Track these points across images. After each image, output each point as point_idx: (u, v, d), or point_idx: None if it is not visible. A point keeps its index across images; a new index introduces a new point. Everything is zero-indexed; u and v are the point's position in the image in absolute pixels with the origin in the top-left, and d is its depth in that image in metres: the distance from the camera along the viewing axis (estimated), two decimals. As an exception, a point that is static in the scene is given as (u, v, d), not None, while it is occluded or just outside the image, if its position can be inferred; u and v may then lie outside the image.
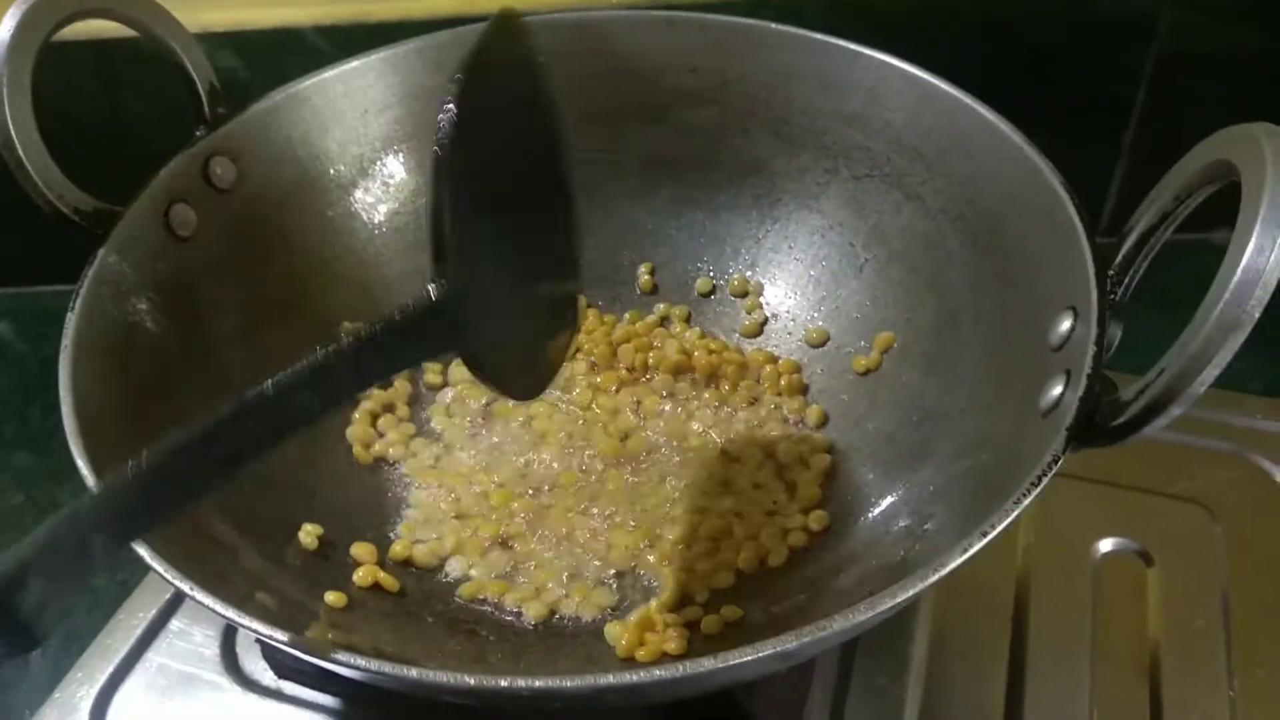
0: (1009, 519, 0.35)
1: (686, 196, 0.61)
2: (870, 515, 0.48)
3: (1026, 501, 0.35)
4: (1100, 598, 0.53)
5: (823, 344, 0.57)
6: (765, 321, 0.59)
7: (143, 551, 0.36)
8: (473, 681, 0.32)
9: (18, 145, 0.45)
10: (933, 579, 0.33)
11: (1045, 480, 0.36)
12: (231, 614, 0.35)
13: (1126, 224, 0.43)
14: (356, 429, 0.54)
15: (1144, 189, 0.43)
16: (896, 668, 0.48)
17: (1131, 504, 0.56)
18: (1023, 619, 0.51)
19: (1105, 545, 0.55)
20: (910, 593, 0.33)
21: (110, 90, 0.69)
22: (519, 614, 0.47)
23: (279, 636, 0.34)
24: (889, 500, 0.48)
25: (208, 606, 0.35)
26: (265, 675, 0.49)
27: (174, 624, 0.51)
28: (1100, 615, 0.52)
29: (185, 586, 0.35)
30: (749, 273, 0.60)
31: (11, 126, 0.45)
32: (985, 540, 0.34)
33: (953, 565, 0.34)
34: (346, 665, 0.33)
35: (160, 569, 0.36)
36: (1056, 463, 0.36)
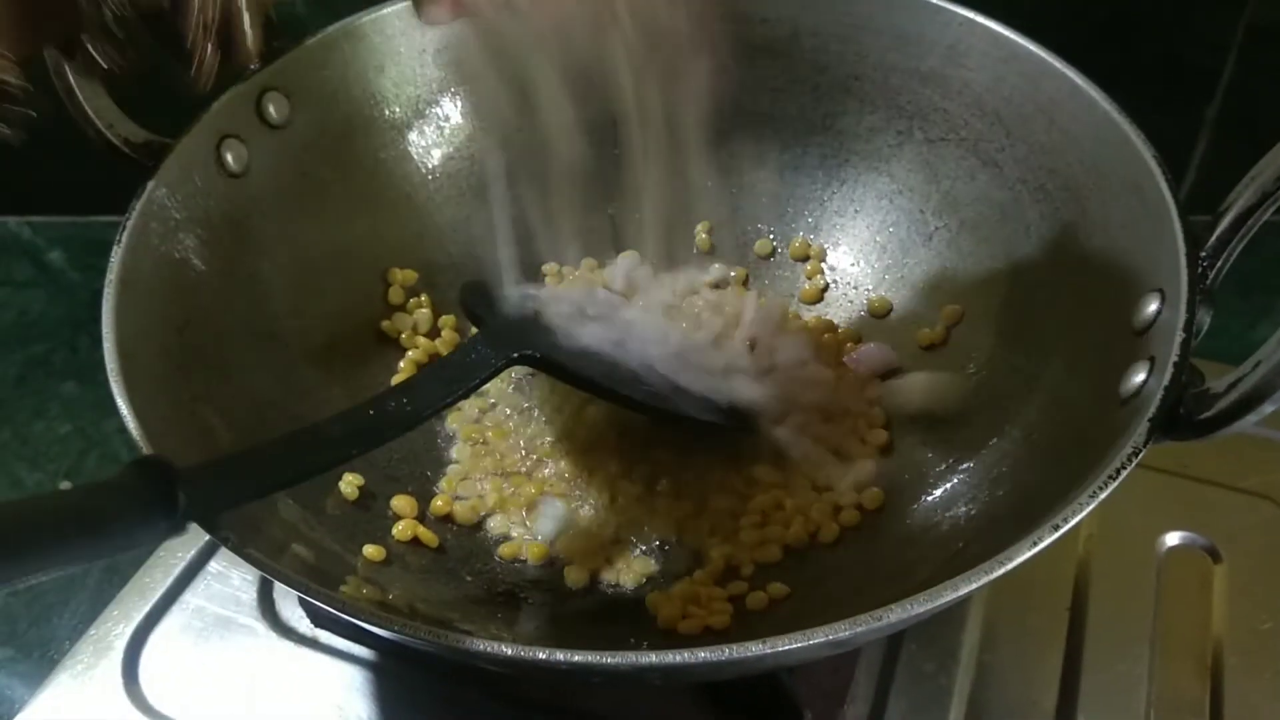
0: (1083, 512, 0.33)
1: (749, 153, 0.58)
2: (929, 497, 0.46)
3: (1103, 495, 0.33)
4: (1164, 593, 0.50)
5: (885, 314, 0.54)
6: (826, 288, 0.57)
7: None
8: (509, 652, 0.30)
9: (69, 71, 0.44)
10: (998, 572, 0.31)
11: (1124, 473, 0.34)
12: (267, 566, 0.34)
13: (1222, 203, 0.40)
14: (401, 380, 0.53)
15: (1228, 166, 0.40)
16: (945, 655, 0.46)
17: (1201, 497, 0.54)
18: (1081, 611, 0.49)
19: (1171, 539, 0.52)
20: (973, 585, 0.31)
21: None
22: (559, 577, 0.45)
23: (313, 591, 0.33)
24: (949, 482, 0.45)
25: (243, 556, 0.34)
26: (302, 623, 0.49)
27: (213, 566, 0.51)
28: (1163, 611, 0.50)
29: (222, 536, 0.34)
30: (811, 236, 0.58)
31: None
32: (1056, 535, 0.32)
33: (1020, 559, 0.32)
34: (381, 625, 0.32)
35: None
36: (1137, 455, 0.34)
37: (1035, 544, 0.32)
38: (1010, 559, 0.32)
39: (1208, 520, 0.53)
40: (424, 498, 0.48)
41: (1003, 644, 0.48)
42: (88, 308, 0.77)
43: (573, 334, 0.49)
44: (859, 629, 0.30)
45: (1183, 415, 0.35)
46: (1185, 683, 0.47)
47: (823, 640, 0.30)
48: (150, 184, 0.45)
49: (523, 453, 0.50)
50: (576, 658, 0.30)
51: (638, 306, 0.53)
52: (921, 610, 0.31)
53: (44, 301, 0.76)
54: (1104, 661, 0.48)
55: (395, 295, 0.54)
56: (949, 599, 0.31)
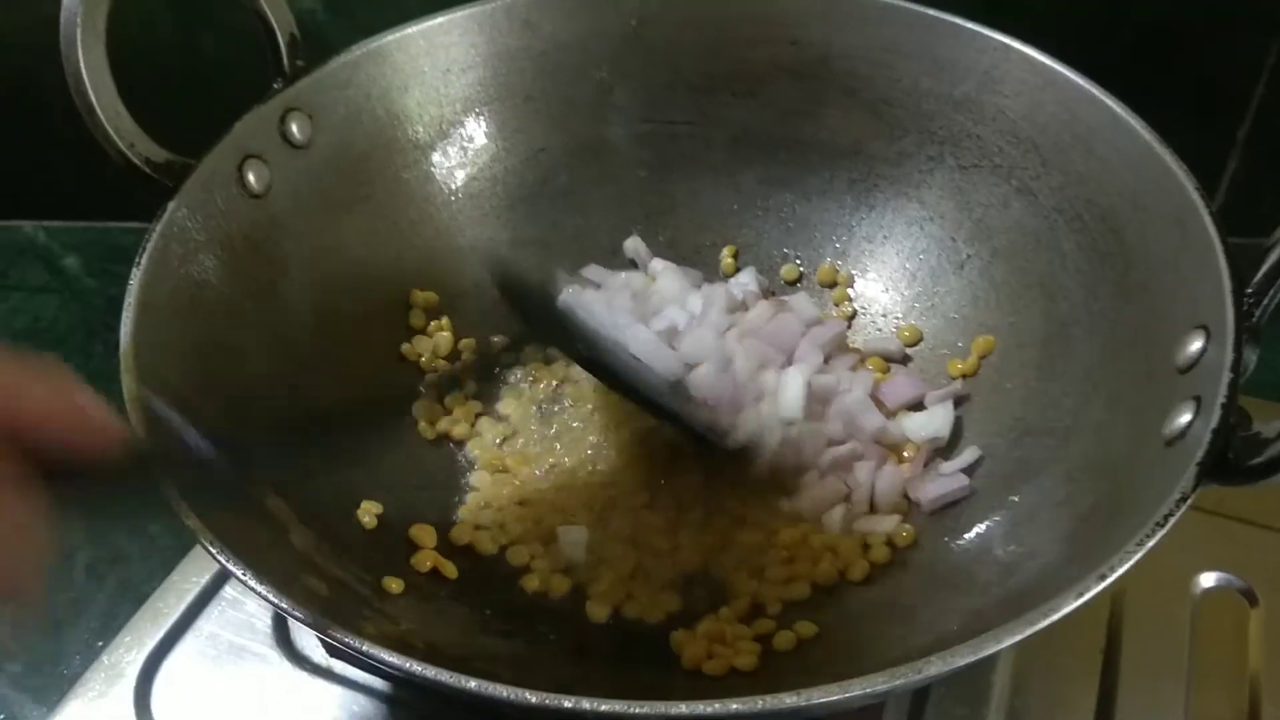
0: (1130, 561, 0.32)
1: (776, 177, 0.57)
2: (964, 536, 0.44)
3: (1151, 543, 0.32)
4: (1199, 636, 0.49)
5: (915, 344, 0.53)
6: (854, 315, 0.56)
7: (191, 523, 0.34)
8: (534, 699, 0.29)
9: (89, 90, 0.43)
10: (1042, 624, 0.30)
11: (1172, 520, 0.32)
12: (278, 600, 0.33)
13: (1254, 225, 0.39)
14: (423, 404, 0.52)
15: (1259, 187, 0.39)
16: (976, 699, 0.45)
17: (1237, 537, 0.52)
18: (1114, 654, 0.48)
19: (1206, 580, 0.51)
20: (1016, 637, 0.30)
21: (191, 33, 0.67)
22: (582, 611, 0.44)
23: (326, 628, 0.32)
24: (985, 522, 0.44)
25: (254, 590, 0.33)
26: (316, 652, 0.48)
27: (227, 591, 0.50)
28: (1198, 655, 0.48)
29: (234, 568, 0.34)
30: (839, 262, 0.57)
31: (84, 70, 0.43)
32: (1103, 585, 0.31)
33: (1066, 610, 0.31)
34: (397, 668, 0.31)
35: (208, 544, 0.34)
36: (1185, 502, 0.33)
37: (1080, 595, 0.31)
38: (1055, 610, 0.31)
39: (1244, 561, 0.51)
40: (443, 527, 0.47)
41: (1035, 686, 0.47)
42: (103, 314, 0.76)
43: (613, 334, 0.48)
44: (897, 681, 0.29)
45: (1231, 460, 0.34)
46: (1222, 729, 0.46)
47: (859, 693, 0.29)
48: (171, 205, 0.44)
49: (544, 481, 0.49)
50: (604, 707, 0.29)
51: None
52: (962, 663, 0.30)
53: (57, 307, 0.75)
54: (1138, 706, 0.46)
55: (416, 318, 0.53)
56: (990, 650, 0.30)
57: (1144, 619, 0.49)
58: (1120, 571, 0.31)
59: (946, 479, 0.46)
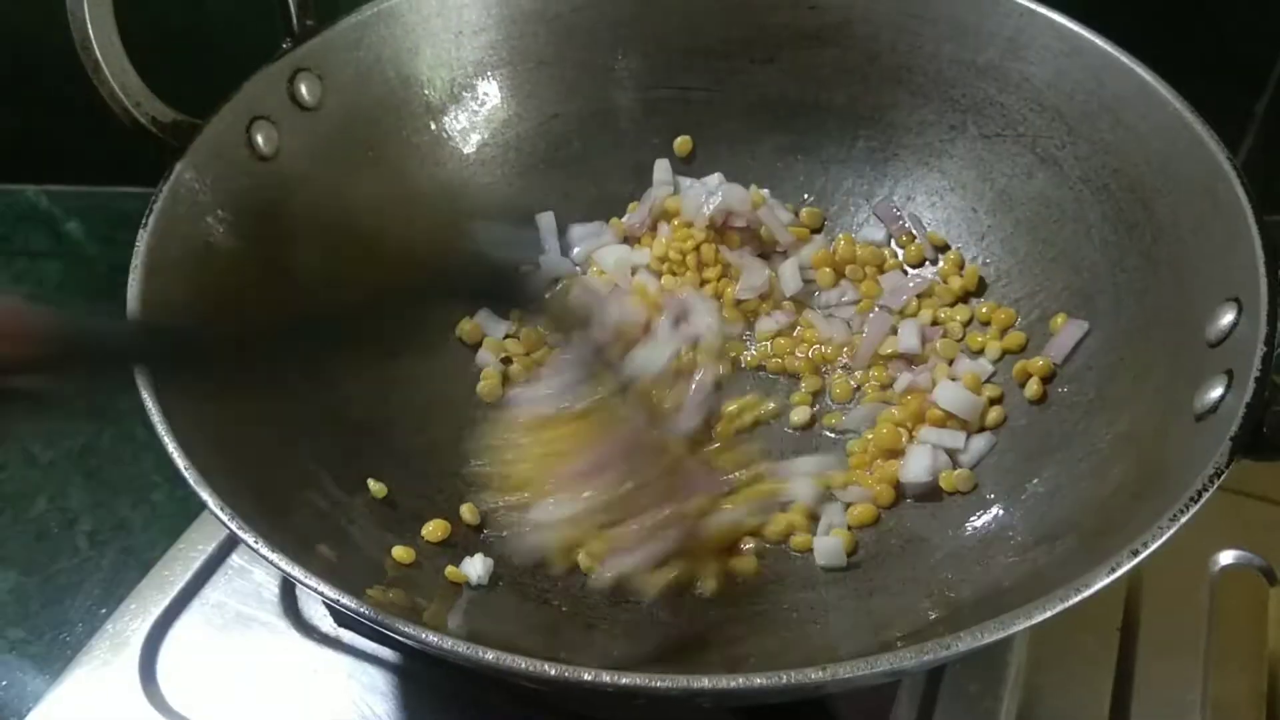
0: (1164, 536, 0.31)
1: (793, 145, 0.56)
2: (984, 510, 0.44)
3: (1185, 518, 0.31)
4: (1217, 614, 0.48)
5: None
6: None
7: (204, 495, 0.34)
8: (553, 672, 0.29)
9: (95, 47, 0.42)
10: (1075, 599, 0.30)
11: (1206, 495, 0.32)
12: (293, 570, 0.32)
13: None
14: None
15: (1278, 165, 0.38)
16: (991, 676, 0.44)
17: (1257, 515, 0.51)
18: (1132, 632, 0.47)
19: (1225, 557, 0.50)
20: (1048, 612, 0.30)
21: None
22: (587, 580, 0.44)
23: (341, 598, 0.32)
24: (1004, 500, 0.43)
25: (266, 558, 0.33)
26: (325, 622, 0.47)
27: (234, 560, 0.49)
28: (1217, 633, 0.48)
29: (247, 537, 0.33)
30: (855, 234, 0.55)
31: (90, 27, 0.42)
32: (1136, 560, 0.30)
33: (1098, 585, 0.30)
34: (414, 639, 0.31)
35: (219, 512, 0.33)
36: (1219, 477, 0.32)
37: (1114, 570, 0.30)
38: (1087, 585, 0.30)
39: (1263, 539, 0.50)
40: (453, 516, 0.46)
41: (1051, 665, 0.46)
42: (106, 280, 0.75)
43: None
44: (925, 656, 0.29)
45: (1266, 435, 0.33)
46: (1240, 708, 0.45)
47: (886, 668, 0.29)
48: (179, 165, 0.43)
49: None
50: (624, 680, 0.28)
51: None
52: (991, 639, 0.29)
53: (61, 273, 0.74)
54: (1156, 684, 0.46)
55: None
56: (1020, 626, 0.29)
57: (1162, 597, 0.49)
58: (1154, 547, 0.31)
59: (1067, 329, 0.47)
